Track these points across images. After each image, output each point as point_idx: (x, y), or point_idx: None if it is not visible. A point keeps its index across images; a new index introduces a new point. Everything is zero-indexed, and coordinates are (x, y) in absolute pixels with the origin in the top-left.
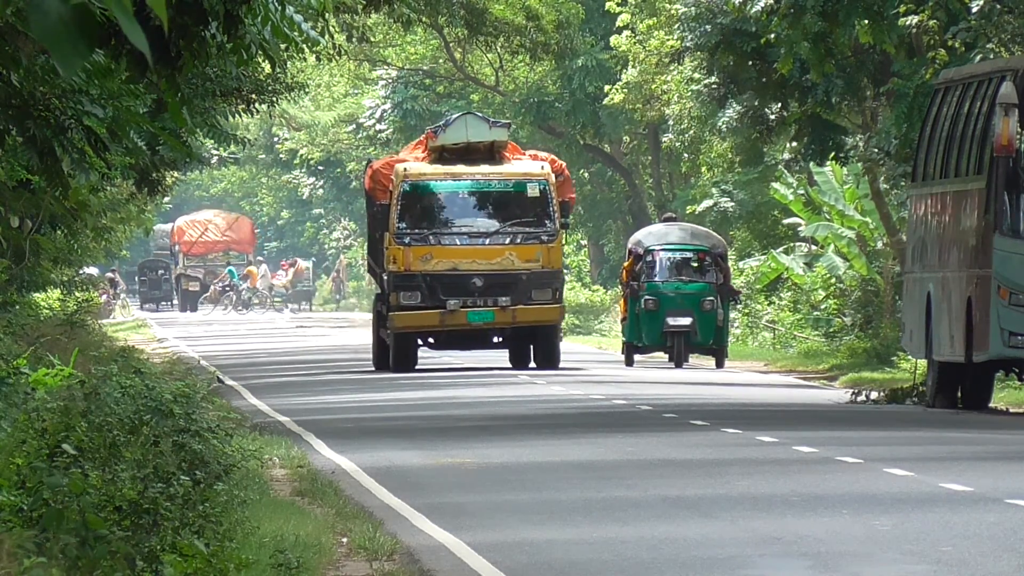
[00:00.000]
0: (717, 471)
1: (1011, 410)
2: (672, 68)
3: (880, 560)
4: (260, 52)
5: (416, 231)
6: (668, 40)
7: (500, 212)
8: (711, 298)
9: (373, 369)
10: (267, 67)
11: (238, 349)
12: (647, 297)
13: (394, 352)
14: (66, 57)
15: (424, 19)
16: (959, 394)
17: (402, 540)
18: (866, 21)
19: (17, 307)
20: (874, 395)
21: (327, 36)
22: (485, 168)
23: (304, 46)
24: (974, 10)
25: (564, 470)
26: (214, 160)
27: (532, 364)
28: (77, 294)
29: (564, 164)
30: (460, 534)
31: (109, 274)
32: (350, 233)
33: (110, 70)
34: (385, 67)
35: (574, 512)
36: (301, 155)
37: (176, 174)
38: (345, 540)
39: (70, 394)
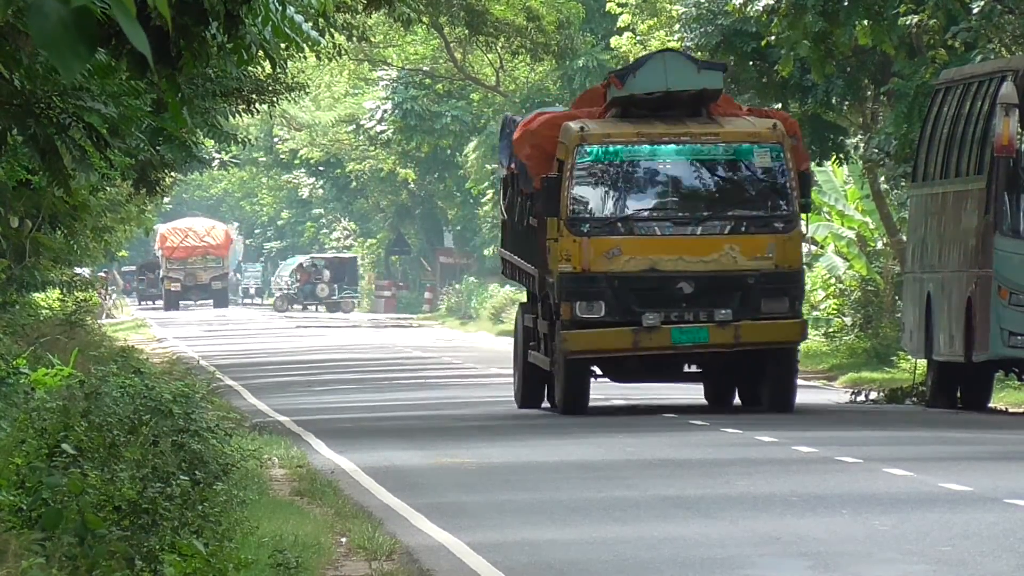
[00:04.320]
0: (717, 471)
1: (1011, 410)
2: None
3: (880, 560)
4: (260, 52)
5: (599, 216)
6: (668, 40)
7: (717, 190)
8: None
9: (517, 408)
10: (267, 67)
11: (238, 349)
12: None
13: (565, 385)
14: (66, 61)
15: (424, 19)
16: (959, 394)
17: (401, 540)
18: (866, 21)
19: (17, 307)
20: (874, 395)
21: (327, 36)
22: (694, 127)
23: (304, 46)
24: (974, 10)
25: (564, 470)
26: (215, 164)
27: (736, 401)
28: (77, 294)
29: (797, 123)
30: (460, 534)
31: (102, 274)
32: (350, 233)
33: (111, 68)
34: (385, 67)
35: (574, 512)
36: (301, 155)
37: (175, 174)
38: (344, 540)
39: (70, 394)
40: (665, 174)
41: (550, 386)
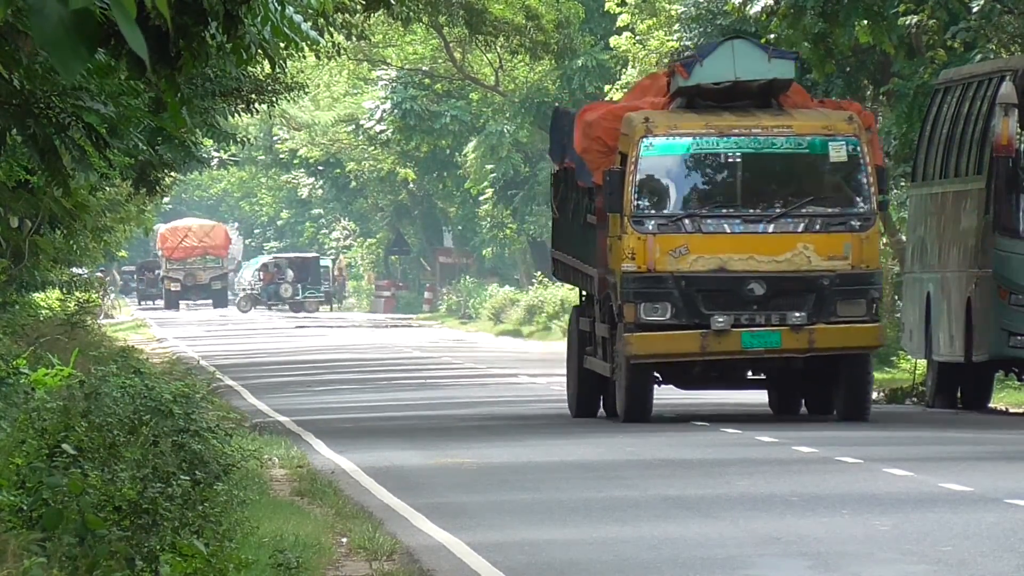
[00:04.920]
0: (717, 471)
1: (1011, 410)
2: None
3: (880, 560)
4: (260, 52)
5: (665, 213)
6: (668, 40)
7: (789, 185)
8: None
9: (571, 416)
10: (267, 67)
11: (238, 349)
12: None
13: (628, 393)
14: (66, 62)
15: (424, 19)
16: (959, 394)
17: (402, 540)
18: (866, 21)
19: (17, 307)
20: (874, 395)
21: (327, 35)
22: (765, 119)
23: (304, 46)
24: (974, 10)
25: (564, 470)
26: (214, 163)
27: (804, 409)
28: (77, 294)
29: (872, 115)
30: (460, 534)
31: (99, 273)
32: (349, 233)
33: (110, 68)
34: (384, 67)
35: (574, 512)
36: (301, 155)
37: (175, 174)
38: (345, 540)
39: (70, 394)
40: (735, 168)
41: (607, 393)
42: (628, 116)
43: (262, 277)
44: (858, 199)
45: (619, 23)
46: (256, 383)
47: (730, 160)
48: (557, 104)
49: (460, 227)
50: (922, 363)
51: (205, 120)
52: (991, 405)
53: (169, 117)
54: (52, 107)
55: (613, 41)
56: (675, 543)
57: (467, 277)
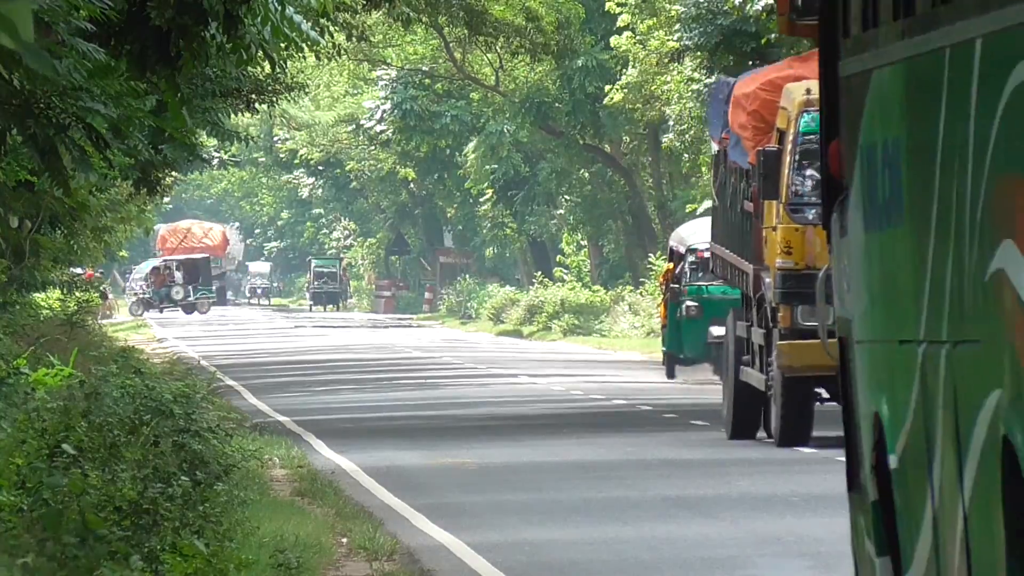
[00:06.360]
0: (717, 471)
1: None
2: (672, 68)
3: None
4: (260, 52)
5: None
6: (668, 40)
7: None
8: None
9: (726, 438)
10: (267, 67)
11: (238, 349)
12: (689, 303)
13: (785, 409)
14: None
15: (424, 19)
16: None
17: (402, 540)
18: None
19: (17, 307)
20: None
21: (327, 35)
22: None
23: (304, 46)
24: None
25: (564, 470)
26: (215, 163)
27: None
28: (77, 294)
29: None
30: (460, 534)
31: (98, 273)
32: (350, 233)
33: (111, 68)
34: (385, 67)
35: (574, 512)
36: (301, 155)
37: (176, 174)
38: (345, 540)
39: (70, 394)
40: None
41: (767, 410)
42: (788, 87)
43: (153, 280)
44: None
45: (619, 23)
46: (256, 383)
47: None
48: (722, 76)
49: (460, 227)
50: None
51: (206, 119)
52: None
53: (170, 117)
54: (52, 107)
55: (613, 41)
56: (675, 543)
57: (467, 277)
